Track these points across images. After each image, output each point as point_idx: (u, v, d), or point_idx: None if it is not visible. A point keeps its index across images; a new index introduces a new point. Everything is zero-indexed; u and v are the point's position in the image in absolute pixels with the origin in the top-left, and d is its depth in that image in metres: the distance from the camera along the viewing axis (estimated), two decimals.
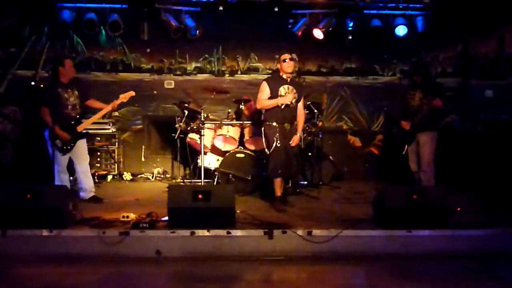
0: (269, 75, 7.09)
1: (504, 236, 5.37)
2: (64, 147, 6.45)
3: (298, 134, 6.51)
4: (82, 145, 6.70)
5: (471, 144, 7.90)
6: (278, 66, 6.51)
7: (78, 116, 6.59)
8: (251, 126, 7.58)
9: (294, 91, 6.43)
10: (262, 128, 6.60)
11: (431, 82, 6.91)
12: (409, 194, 5.34)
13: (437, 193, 5.49)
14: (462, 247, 5.28)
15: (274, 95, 6.40)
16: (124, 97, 6.78)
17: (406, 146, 6.82)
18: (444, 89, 6.92)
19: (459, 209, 6.05)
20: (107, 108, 6.75)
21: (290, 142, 6.40)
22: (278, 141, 6.32)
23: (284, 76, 6.46)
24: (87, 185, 6.73)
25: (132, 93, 6.86)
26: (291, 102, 6.37)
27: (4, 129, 8.83)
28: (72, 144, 6.51)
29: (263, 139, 6.53)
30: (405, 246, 5.23)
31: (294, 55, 9.09)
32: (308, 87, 8.61)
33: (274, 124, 6.38)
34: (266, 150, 6.49)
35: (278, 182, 6.49)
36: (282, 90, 6.40)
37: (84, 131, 6.68)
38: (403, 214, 5.30)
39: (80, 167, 6.70)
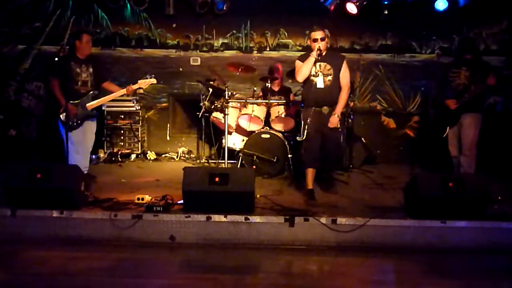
0: (303, 53, 6.30)
1: None
2: (70, 123, 6.17)
3: (335, 115, 5.69)
4: (90, 126, 6.50)
5: None
6: (309, 43, 5.92)
7: (89, 94, 6.36)
8: (278, 104, 7.20)
9: (329, 67, 5.72)
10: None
11: (479, 61, 6.40)
12: (445, 181, 4.89)
13: (475, 181, 5.04)
14: (503, 241, 4.83)
15: None
16: (143, 84, 6.48)
17: (447, 128, 6.34)
18: (492, 68, 6.40)
19: (500, 198, 5.60)
20: (121, 92, 6.48)
21: (328, 125, 5.74)
22: (309, 129, 5.71)
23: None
24: (80, 164, 6.33)
25: (153, 80, 6.54)
26: (325, 81, 5.72)
27: (28, 105, 8.77)
28: (79, 121, 6.29)
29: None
30: (439, 238, 4.83)
31: (326, 31, 8.72)
32: None
33: (310, 108, 5.76)
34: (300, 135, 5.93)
35: (308, 173, 5.89)
36: (313, 69, 5.74)
37: (95, 112, 6.46)
38: (438, 204, 4.87)
39: (82, 146, 6.46)
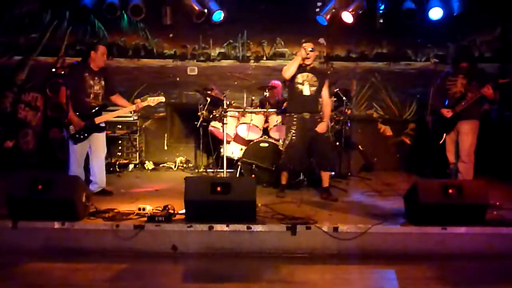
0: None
1: None
2: (77, 135, 6.09)
3: (324, 121, 6.26)
4: (100, 138, 6.36)
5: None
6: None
7: (98, 107, 6.27)
8: (276, 114, 7.23)
9: (315, 78, 6.24)
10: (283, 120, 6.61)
11: (475, 68, 6.46)
12: (445, 188, 4.92)
13: (475, 187, 5.05)
14: (503, 246, 4.86)
15: (291, 82, 6.26)
16: (152, 101, 6.53)
17: (444, 135, 6.40)
18: (489, 75, 6.47)
19: (498, 203, 5.64)
20: (130, 108, 6.49)
21: (316, 129, 6.18)
22: (294, 134, 6.21)
23: (305, 63, 6.25)
24: (99, 179, 6.39)
25: (162, 98, 6.62)
26: (310, 90, 6.20)
27: (25, 116, 8.75)
28: (85, 134, 6.16)
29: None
30: (440, 245, 4.86)
31: (322, 40, 8.83)
32: (337, 73, 8.25)
33: (293, 114, 6.26)
34: (281, 141, 6.49)
35: (284, 174, 6.51)
36: (300, 77, 6.25)
37: (102, 125, 6.36)
38: (438, 210, 4.89)
39: (95, 160, 6.35)
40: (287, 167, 6.41)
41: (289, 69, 6.18)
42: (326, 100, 6.39)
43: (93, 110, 6.20)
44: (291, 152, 6.25)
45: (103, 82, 6.31)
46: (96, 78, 6.24)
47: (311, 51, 6.16)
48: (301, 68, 6.23)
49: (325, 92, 6.35)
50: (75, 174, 5.99)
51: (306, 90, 6.21)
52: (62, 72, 8.21)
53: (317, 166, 6.64)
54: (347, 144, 7.91)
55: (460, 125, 6.29)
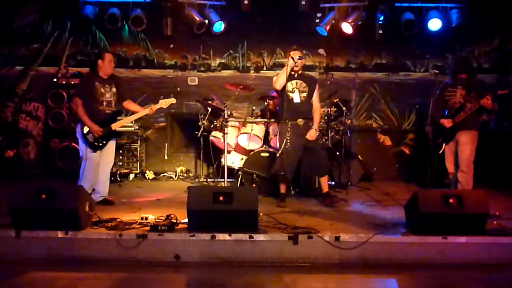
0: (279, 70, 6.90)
1: None
2: (96, 143, 6.15)
3: (314, 128, 6.34)
4: (112, 146, 6.41)
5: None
6: (287, 58, 6.35)
7: (113, 114, 6.33)
8: (276, 124, 7.28)
9: (304, 85, 6.36)
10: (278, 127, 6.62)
11: (474, 79, 6.52)
12: (445, 198, 4.95)
13: (475, 197, 5.08)
14: (503, 255, 4.89)
15: (282, 90, 6.35)
16: (164, 103, 6.52)
17: (443, 145, 6.45)
18: (487, 86, 6.54)
19: (498, 213, 5.68)
20: (144, 112, 6.48)
21: (306, 137, 6.29)
22: (288, 142, 6.26)
23: (293, 71, 6.35)
24: (102, 188, 6.42)
25: (173, 100, 6.62)
26: (300, 96, 6.30)
27: (26, 126, 8.79)
28: (104, 142, 6.21)
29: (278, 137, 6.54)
30: (440, 254, 4.87)
31: (321, 50, 8.91)
32: (336, 84, 8.31)
33: (287, 121, 6.33)
34: (276, 149, 6.52)
35: (283, 184, 6.54)
36: (290, 85, 6.34)
37: (117, 132, 6.42)
38: (439, 220, 4.91)
39: (103, 168, 6.38)
40: (279, 174, 6.44)
41: (279, 79, 6.29)
42: (316, 106, 6.46)
43: (106, 118, 6.25)
44: (284, 159, 6.31)
45: (114, 89, 6.35)
46: (107, 85, 6.28)
47: (299, 59, 6.24)
48: (290, 76, 6.31)
49: (315, 97, 6.43)
50: (90, 182, 6.16)
51: (297, 98, 6.33)
52: (64, 82, 8.40)
53: (313, 173, 6.75)
54: (347, 154, 7.94)
55: (459, 136, 6.34)
